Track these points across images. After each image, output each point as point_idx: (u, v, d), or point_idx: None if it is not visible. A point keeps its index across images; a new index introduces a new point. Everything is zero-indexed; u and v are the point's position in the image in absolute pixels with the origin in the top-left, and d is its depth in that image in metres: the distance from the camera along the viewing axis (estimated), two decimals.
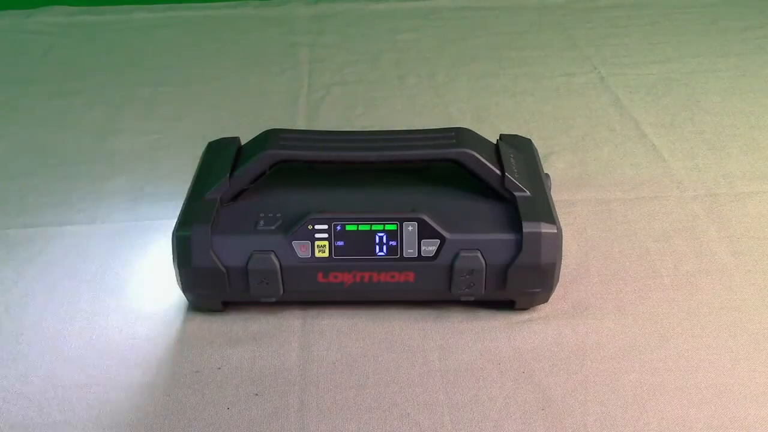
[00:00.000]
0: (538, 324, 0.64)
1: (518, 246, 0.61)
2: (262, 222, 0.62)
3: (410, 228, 0.61)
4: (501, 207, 0.64)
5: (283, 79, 1.10)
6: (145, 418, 0.57)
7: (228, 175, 0.65)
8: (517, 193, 0.64)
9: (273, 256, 0.61)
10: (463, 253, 0.61)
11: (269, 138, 0.67)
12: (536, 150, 0.74)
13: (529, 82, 1.07)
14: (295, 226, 0.61)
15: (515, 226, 0.61)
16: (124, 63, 1.16)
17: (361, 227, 0.61)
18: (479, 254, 0.61)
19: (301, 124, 0.97)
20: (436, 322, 0.65)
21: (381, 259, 0.62)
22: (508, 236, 0.61)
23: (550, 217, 0.62)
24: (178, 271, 0.62)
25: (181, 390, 0.59)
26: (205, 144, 0.74)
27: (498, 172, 0.65)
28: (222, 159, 0.69)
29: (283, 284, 0.62)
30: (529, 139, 0.75)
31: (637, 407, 0.57)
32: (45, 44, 1.22)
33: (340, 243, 0.61)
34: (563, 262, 0.63)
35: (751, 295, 0.68)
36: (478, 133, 0.69)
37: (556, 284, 0.64)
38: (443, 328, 0.64)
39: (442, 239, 0.61)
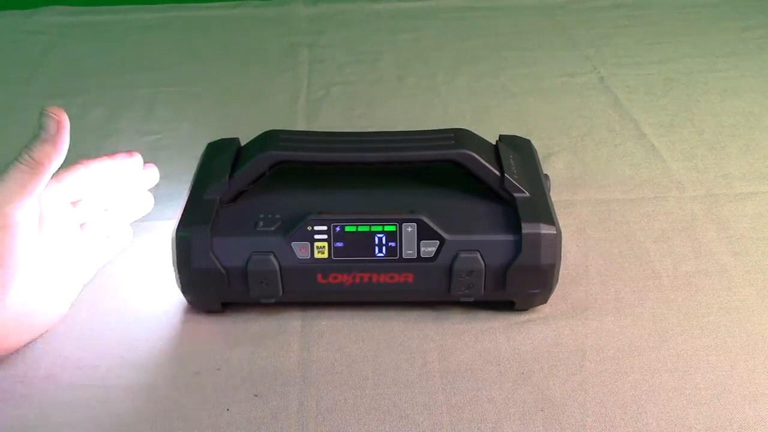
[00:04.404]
0: (537, 325, 0.65)
1: (517, 247, 0.61)
2: (261, 223, 0.62)
3: (409, 229, 0.61)
4: (500, 208, 0.64)
5: (283, 79, 1.10)
6: (144, 419, 0.57)
7: (228, 175, 0.65)
8: (516, 194, 0.64)
9: (272, 257, 0.61)
10: (462, 254, 0.61)
11: (269, 138, 0.67)
12: (536, 151, 0.74)
13: (529, 82, 1.07)
14: (295, 227, 0.61)
15: (514, 227, 0.62)
16: (124, 63, 1.16)
17: (361, 228, 0.61)
18: (478, 255, 0.61)
19: (301, 124, 0.97)
20: (436, 322, 0.65)
21: (380, 260, 0.62)
22: (508, 237, 0.61)
23: (550, 218, 0.62)
24: (177, 272, 0.63)
25: (181, 391, 0.59)
26: (205, 144, 0.74)
27: (497, 173, 0.65)
28: (222, 159, 0.69)
29: (282, 285, 0.62)
30: (529, 140, 0.75)
31: (637, 408, 0.57)
32: (45, 44, 1.22)
33: (340, 244, 0.61)
34: (563, 263, 0.63)
35: (751, 296, 0.68)
36: (478, 133, 0.69)
37: (556, 285, 0.64)
38: (442, 328, 0.64)
39: (442, 240, 0.61)
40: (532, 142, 0.75)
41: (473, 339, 0.63)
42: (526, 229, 0.61)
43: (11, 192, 0.57)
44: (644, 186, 0.83)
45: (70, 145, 0.87)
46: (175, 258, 0.62)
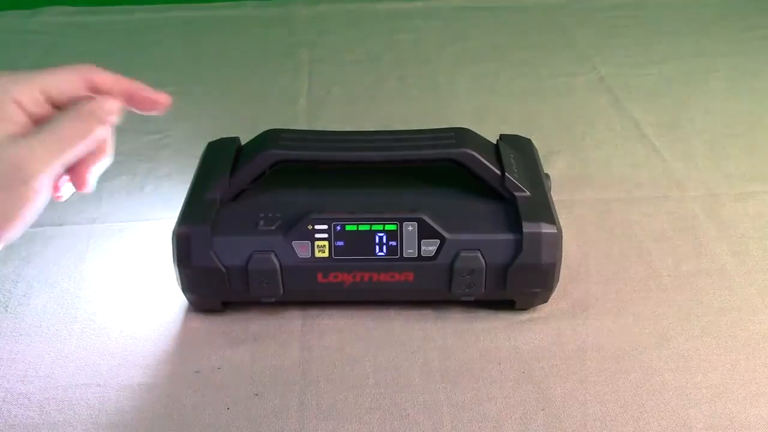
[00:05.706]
0: (538, 324, 0.64)
1: (518, 246, 0.61)
2: (262, 222, 0.62)
3: (410, 228, 0.61)
4: (501, 207, 0.64)
5: (283, 79, 1.10)
6: (144, 418, 0.57)
7: (228, 175, 0.65)
8: (517, 193, 0.64)
9: (273, 257, 0.61)
10: (463, 253, 0.61)
11: (269, 138, 0.67)
12: (536, 150, 0.74)
13: (529, 82, 1.07)
14: (295, 226, 0.61)
15: (515, 226, 0.61)
16: (124, 63, 1.15)
17: (361, 227, 0.61)
18: (479, 254, 0.61)
19: (301, 124, 0.97)
20: (436, 322, 0.65)
21: (381, 259, 0.62)
22: (508, 236, 0.61)
23: (550, 217, 0.62)
24: (178, 270, 0.62)
25: (181, 390, 0.59)
26: (205, 144, 0.74)
27: (498, 172, 0.65)
28: (222, 159, 0.69)
29: (283, 284, 0.62)
30: (529, 139, 0.75)
31: (637, 407, 0.57)
32: (45, 44, 1.22)
33: (340, 243, 0.61)
34: (563, 262, 0.63)
35: (751, 295, 0.68)
36: (478, 133, 0.69)
37: (556, 284, 0.64)
38: (443, 328, 0.64)
39: (442, 239, 0.61)
40: (533, 141, 0.75)
41: (474, 338, 0.63)
42: (527, 228, 0.61)
43: (52, 151, 0.45)
44: (645, 185, 0.83)
45: None
46: (176, 257, 0.62)
